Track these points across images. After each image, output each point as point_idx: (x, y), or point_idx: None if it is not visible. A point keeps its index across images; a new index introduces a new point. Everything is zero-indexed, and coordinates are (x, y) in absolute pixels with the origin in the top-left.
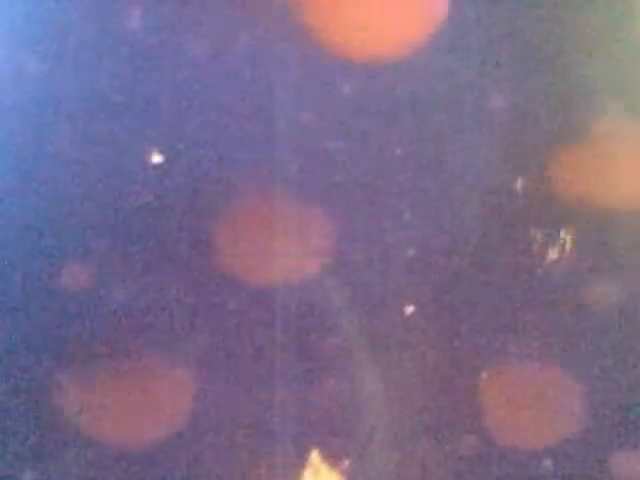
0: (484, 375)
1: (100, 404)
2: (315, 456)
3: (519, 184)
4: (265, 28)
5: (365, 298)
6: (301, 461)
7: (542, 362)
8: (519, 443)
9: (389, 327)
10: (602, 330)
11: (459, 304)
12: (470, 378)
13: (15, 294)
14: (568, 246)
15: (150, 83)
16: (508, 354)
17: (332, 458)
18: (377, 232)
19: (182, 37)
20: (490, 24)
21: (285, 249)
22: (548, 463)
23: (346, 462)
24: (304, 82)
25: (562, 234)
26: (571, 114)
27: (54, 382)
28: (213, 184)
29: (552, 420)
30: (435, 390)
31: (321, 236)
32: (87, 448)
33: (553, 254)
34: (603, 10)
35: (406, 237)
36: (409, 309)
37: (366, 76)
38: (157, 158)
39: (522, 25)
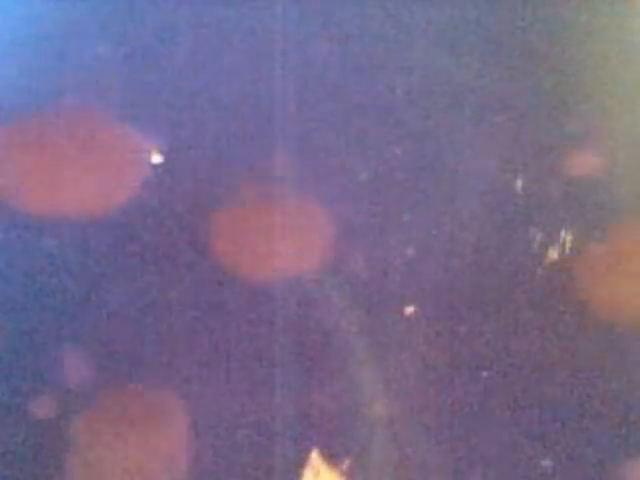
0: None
1: None
2: (315, 456)
3: (519, 184)
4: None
5: (365, 298)
6: (301, 461)
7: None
8: None
9: (389, 327)
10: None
11: (459, 304)
12: (470, 378)
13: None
14: (568, 246)
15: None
16: (508, 354)
17: (332, 458)
18: (377, 232)
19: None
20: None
21: (285, 248)
22: (547, 463)
23: (346, 462)
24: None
25: (562, 234)
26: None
27: None
28: (213, 183)
29: None
30: (435, 390)
31: (321, 235)
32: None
33: (553, 254)
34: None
35: (406, 237)
36: (409, 309)
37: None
38: (157, 158)
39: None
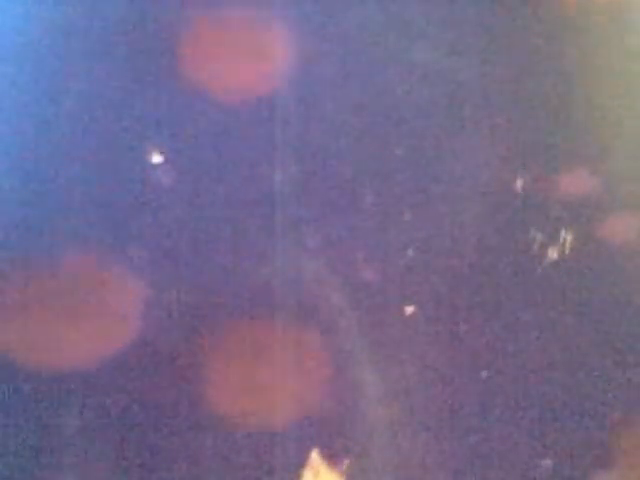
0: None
1: None
2: (315, 456)
3: (519, 184)
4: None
5: (366, 299)
6: (301, 461)
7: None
8: None
9: (389, 327)
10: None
11: (459, 304)
12: (470, 378)
13: None
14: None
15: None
16: (508, 354)
17: (332, 458)
18: (379, 235)
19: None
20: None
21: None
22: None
23: (346, 462)
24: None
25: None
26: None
27: None
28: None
29: None
30: (435, 390)
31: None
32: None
33: (553, 254)
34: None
35: (407, 238)
36: (409, 309)
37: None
38: (157, 158)
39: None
